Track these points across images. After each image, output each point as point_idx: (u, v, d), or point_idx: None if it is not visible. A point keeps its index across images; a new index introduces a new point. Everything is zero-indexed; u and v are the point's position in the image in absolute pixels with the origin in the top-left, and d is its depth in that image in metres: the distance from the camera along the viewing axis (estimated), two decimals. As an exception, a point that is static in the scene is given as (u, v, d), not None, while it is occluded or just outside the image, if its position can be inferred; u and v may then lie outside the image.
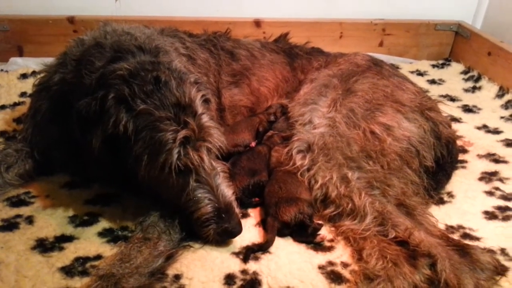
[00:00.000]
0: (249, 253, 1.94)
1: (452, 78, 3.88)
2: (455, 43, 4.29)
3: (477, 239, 2.11)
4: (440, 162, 2.38)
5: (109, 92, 1.85)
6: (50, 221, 2.08)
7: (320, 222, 2.11)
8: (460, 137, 2.90)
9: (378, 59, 2.97)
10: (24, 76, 3.37)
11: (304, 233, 2.04)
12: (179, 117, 1.84)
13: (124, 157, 1.89)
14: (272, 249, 1.99)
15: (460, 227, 2.18)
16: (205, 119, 1.93)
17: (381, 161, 2.20)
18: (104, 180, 2.24)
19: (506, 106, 3.38)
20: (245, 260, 1.92)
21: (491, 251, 1.98)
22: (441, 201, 2.34)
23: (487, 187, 2.48)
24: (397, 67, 3.76)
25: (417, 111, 2.41)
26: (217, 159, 2.04)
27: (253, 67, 2.87)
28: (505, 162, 2.71)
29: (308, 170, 2.25)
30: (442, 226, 2.13)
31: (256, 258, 1.94)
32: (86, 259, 1.89)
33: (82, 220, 2.10)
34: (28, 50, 3.77)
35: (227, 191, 1.98)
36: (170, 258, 1.87)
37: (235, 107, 2.76)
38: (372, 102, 2.42)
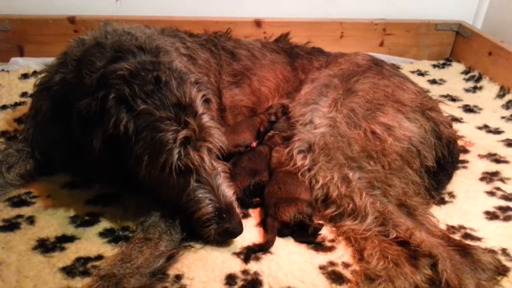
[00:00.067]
0: (250, 253, 1.94)
1: (453, 78, 3.87)
2: (456, 43, 4.29)
3: (478, 239, 2.11)
4: (441, 162, 2.37)
5: (110, 92, 1.85)
6: (51, 221, 2.08)
7: (321, 222, 2.11)
8: (461, 137, 2.90)
9: (379, 59, 2.97)
10: (25, 76, 3.37)
11: (305, 233, 2.04)
12: (180, 117, 1.84)
13: (124, 157, 1.89)
14: (273, 249, 1.99)
15: (461, 227, 2.18)
16: (205, 119, 1.93)
17: (382, 161, 2.20)
18: (104, 180, 2.24)
19: (507, 106, 3.38)
20: (246, 260, 1.92)
21: (492, 251, 1.98)
22: (442, 201, 2.34)
23: (488, 187, 2.48)
24: (398, 67, 3.76)
25: (418, 111, 2.41)
26: (218, 159, 2.04)
27: (254, 67, 2.87)
28: (506, 162, 2.71)
29: (309, 170, 2.25)
30: (443, 226, 2.13)
31: (257, 258, 1.94)
32: (87, 259, 1.88)
33: (83, 220, 2.10)
34: (28, 50, 3.76)
35: (228, 191, 1.98)
36: (171, 258, 1.87)
37: (236, 107, 2.76)
38: (373, 102, 2.42)
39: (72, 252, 1.91)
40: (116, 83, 1.87)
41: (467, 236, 2.13)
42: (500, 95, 3.50)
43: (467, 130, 3.05)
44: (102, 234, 2.03)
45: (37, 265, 1.84)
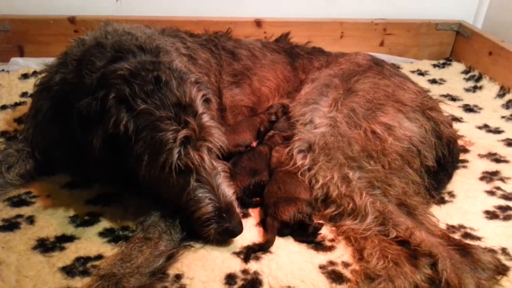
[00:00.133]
0: (250, 252, 1.94)
1: (453, 77, 3.87)
2: (456, 43, 4.29)
3: (478, 238, 2.11)
4: (441, 161, 2.37)
5: (110, 92, 1.85)
6: (51, 221, 2.08)
7: (321, 221, 2.11)
8: (461, 136, 2.90)
9: (379, 59, 2.97)
10: (25, 76, 3.37)
11: (304, 233, 2.05)
12: (180, 116, 1.85)
13: (124, 157, 1.89)
14: (272, 248, 1.99)
15: (461, 226, 2.18)
16: (205, 118, 1.93)
17: (382, 160, 2.20)
18: (104, 180, 2.24)
19: (507, 105, 3.37)
20: (246, 259, 1.92)
21: (492, 251, 1.98)
22: (442, 201, 2.34)
23: (488, 186, 2.48)
24: (398, 67, 3.76)
25: (418, 111, 2.41)
26: (218, 159, 2.04)
27: (254, 67, 2.87)
28: (506, 161, 2.71)
29: (309, 170, 2.25)
30: (443, 226, 2.13)
31: (257, 258, 1.94)
32: (87, 259, 1.88)
33: (83, 220, 2.10)
34: (28, 50, 3.76)
35: (228, 190, 1.98)
36: (171, 258, 1.87)
37: (236, 107, 2.76)
38: (373, 101, 2.42)
39: (72, 252, 1.92)
40: (116, 83, 1.87)
41: (467, 235, 2.13)
42: (500, 95, 3.50)
43: (467, 129, 3.05)
44: (102, 234, 2.03)
45: (37, 265, 1.84)
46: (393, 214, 2.01)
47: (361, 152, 2.22)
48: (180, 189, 1.92)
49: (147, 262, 1.78)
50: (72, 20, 3.72)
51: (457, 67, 4.03)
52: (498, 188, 2.46)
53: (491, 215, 2.26)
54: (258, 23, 3.96)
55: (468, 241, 2.00)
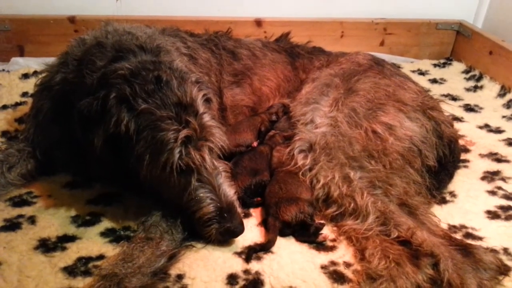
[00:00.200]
0: (251, 253, 1.94)
1: (454, 77, 3.87)
2: (457, 42, 4.29)
3: (480, 238, 2.11)
4: (442, 161, 2.37)
5: (111, 92, 1.85)
6: (53, 221, 2.08)
7: (322, 221, 2.11)
8: (462, 136, 2.90)
9: (380, 59, 2.96)
10: (25, 76, 3.37)
11: (306, 233, 2.04)
12: (181, 116, 1.84)
13: (125, 156, 1.88)
14: (274, 248, 1.98)
15: (463, 226, 2.18)
16: (206, 118, 1.93)
17: (383, 160, 2.19)
18: (106, 180, 2.24)
19: (507, 105, 3.37)
20: (247, 260, 1.91)
21: (493, 251, 1.98)
22: (443, 201, 2.34)
23: (489, 186, 2.48)
24: (399, 67, 3.76)
25: (419, 111, 2.41)
26: (219, 159, 2.04)
27: (255, 67, 2.86)
28: (507, 161, 2.71)
29: (310, 169, 2.25)
30: (444, 226, 2.13)
31: (259, 258, 1.93)
32: (89, 259, 1.88)
33: (84, 220, 2.10)
34: (29, 50, 3.76)
35: (229, 190, 1.97)
36: (172, 258, 1.86)
37: (236, 107, 2.76)
38: (374, 101, 2.41)
39: (73, 252, 1.91)
40: (117, 83, 1.87)
41: (468, 235, 2.12)
42: (501, 94, 3.50)
43: (468, 129, 3.05)
44: (104, 234, 2.03)
45: (38, 265, 1.83)
46: (394, 214, 2.01)
47: (362, 152, 2.22)
48: (181, 189, 1.91)
49: (149, 262, 1.78)
50: (72, 20, 3.72)
51: (457, 67, 4.03)
52: (500, 188, 2.46)
53: (493, 215, 2.26)
54: (258, 22, 3.96)
55: (469, 241, 2.00)
